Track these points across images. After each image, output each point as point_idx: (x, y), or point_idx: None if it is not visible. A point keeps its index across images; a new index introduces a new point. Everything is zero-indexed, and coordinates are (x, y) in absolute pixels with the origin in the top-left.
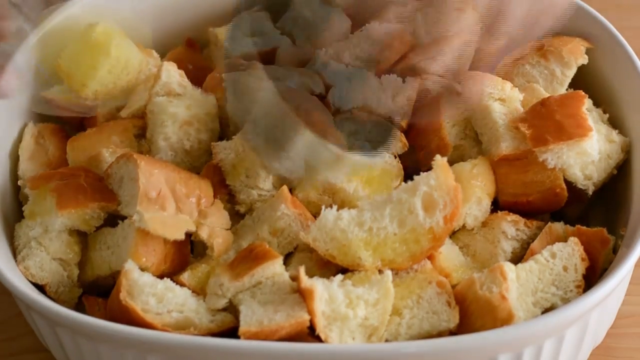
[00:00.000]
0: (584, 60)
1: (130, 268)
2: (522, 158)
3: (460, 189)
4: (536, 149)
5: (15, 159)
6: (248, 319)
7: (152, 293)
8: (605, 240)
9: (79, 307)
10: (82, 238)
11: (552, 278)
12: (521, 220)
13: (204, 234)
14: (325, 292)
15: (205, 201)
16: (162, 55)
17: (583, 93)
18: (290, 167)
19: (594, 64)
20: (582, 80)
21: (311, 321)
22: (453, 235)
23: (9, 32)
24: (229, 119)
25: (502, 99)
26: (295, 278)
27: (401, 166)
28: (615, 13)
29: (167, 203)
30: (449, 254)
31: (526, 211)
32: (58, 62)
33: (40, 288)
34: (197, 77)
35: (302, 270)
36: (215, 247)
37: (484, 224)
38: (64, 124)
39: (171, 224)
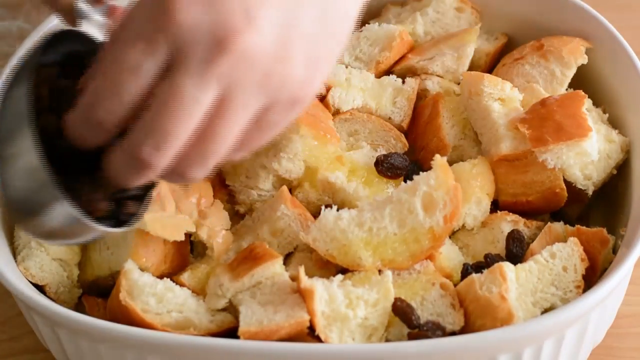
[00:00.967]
0: (583, 60)
1: (130, 268)
2: (522, 158)
3: (460, 189)
4: (536, 149)
5: None
6: (248, 319)
7: (151, 293)
8: (605, 240)
9: (79, 307)
10: None
11: (551, 278)
12: (521, 221)
13: (203, 234)
14: (325, 292)
15: (205, 201)
16: None
17: (583, 93)
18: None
19: (594, 64)
20: (582, 80)
21: (311, 321)
22: (453, 235)
23: None
24: None
25: (501, 99)
26: (295, 278)
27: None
28: (615, 13)
29: (167, 203)
30: (449, 254)
31: (526, 211)
32: None
33: (40, 288)
34: None
35: (302, 270)
36: (215, 248)
37: (484, 224)
38: None
39: (171, 224)
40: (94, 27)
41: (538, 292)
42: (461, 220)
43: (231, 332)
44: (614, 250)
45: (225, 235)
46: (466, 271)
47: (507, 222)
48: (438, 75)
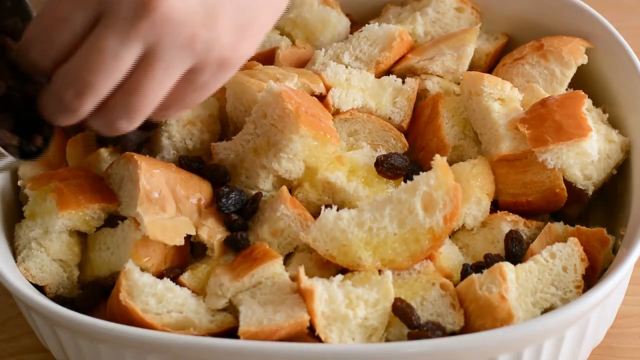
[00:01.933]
0: (583, 60)
1: (130, 268)
2: (522, 158)
3: (460, 189)
4: (536, 149)
5: None
6: (248, 319)
7: (151, 293)
8: (605, 240)
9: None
10: (82, 239)
11: (551, 278)
12: (521, 221)
13: (204, 235)
14: (325, 292)
15: (206, 202)
16: None
17: (583, 93)
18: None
19: (594, 64)
20: (582, 80)
21: (311, 321)
22: (453, 235)
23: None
24: (229, 119)
25: (501, 99)
26: (295, 278)
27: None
28: (615, 13)
29: (168, 204)
30: (449, 254)
31: (526, 211)
32: None
33: (40, 288)
34: None
35: (301, 270)
36: (216, 248)
37: (484, 224)
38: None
39: (171, 227)
40: None
41: (538, 292)
42: (461, 220)
43: (231, 332)
44: (614, 250)
45: (226, 235)
46: (466, 271)
47: (507, 222)
48: (438, 75)
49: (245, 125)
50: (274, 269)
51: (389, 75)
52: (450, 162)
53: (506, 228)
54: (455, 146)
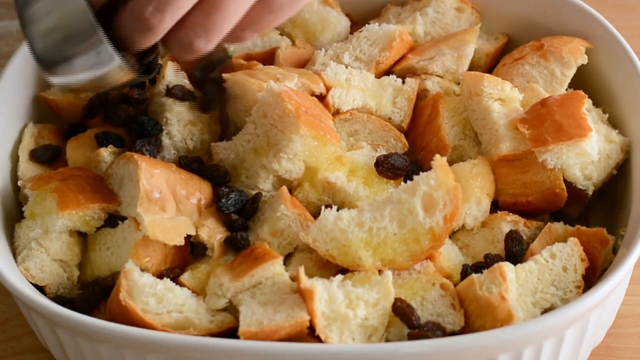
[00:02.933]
0: (583, 60)
1: (131, 268)
2: (522, 158)
3: (460, 189)
4: (536, 149)
5: (15, 159)
6: (248, 319)
7: (151, 293)
8: (605, 240)
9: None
10: (82, 239)
11: (551, 278)
12: (521, 221)
13: (204, 235)
14: (325, 292)
15: (206, 202)
16: (162, 56)
17: (583, 93)
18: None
19: (594, 64)
20: (582, 80)
21: (311, 321)
22: (453, 235)
23: None
24: (229, 119)
25: (502, 99)
26: (295, 278)
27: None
28: (615, 13)
29: (168, 204)
30: (449, 254)
31: (526, 211)
32: None
33: (40, 288)
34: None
35: (301, 270)
36: (216, 248)
37: (484, 224)
38: (63, 124)
39: (171, 227)
40: None
41: (538, 292)
42: (461, 220)
43: (231, 332)
44: (614, 250)
45: (226, 236)
46: (466, 272)
47: (507, 222)
48: (438, 75)
49: (245, 125)
50: (274, 269)
51: (389, 75)
52: (450, 162)
53: (506, 228)
54: (455, 146)
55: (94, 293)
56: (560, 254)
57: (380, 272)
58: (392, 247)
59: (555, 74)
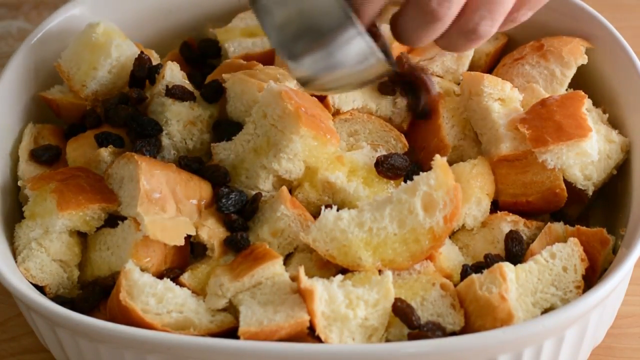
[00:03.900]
0: (583, 60)
1: (131, 268)
2: (522, 158)
3: (460, 189)
4: (536, 149)
5: (15, 159)
6: (248, 319)
7: (151, 293)
8: (605, 240)
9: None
10: (82, 239)
11: (551, 278)
12: (521, 221)
13: (204, 235)
14: (325, 292)
15: (206, 202)
16: (162, 56)
17: (583, 93)
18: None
19: (594, 64)
20: (582, 80)
21: (311, 321)
22: (453, 235)
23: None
24: (229, 119)
25: (501, 99)
26: (295, 278)
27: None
28: (615, 13)
29: (168, 204)
30: (449, 254)
31: (526, 211)
32: (58, 62)
33: (40, 288)
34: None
35: (302, 270)
36: (216, 248)
37: (484, 224)
38: (63, 124)
39: (171, 227)
40: None
41: (538, 292)
42: (461, 220)
43: (231, 332)
44: (614, 250)
45: (226, 236)
46: (466, 272)
47: (507, 223)
48: (438, 76)
49: (245, 125)
50: (274, 269)
51: None
52: (450, 162)
53: (506, 228)
54: (455, 146)
55: (94, 293)
56: (560, 254)
57: (380, 272)
58: (392, 247)
59: (555, 74)
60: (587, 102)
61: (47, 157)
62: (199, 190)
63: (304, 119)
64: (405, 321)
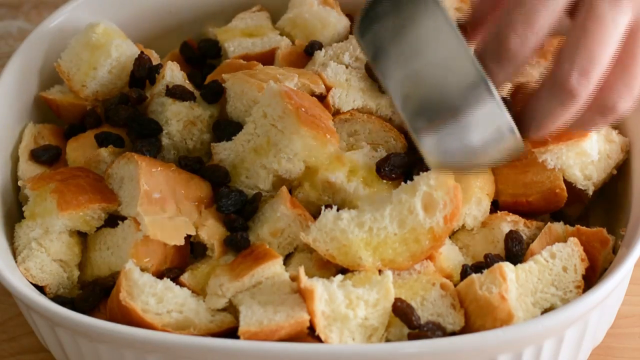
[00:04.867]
0: None
1: (130, 268)
2: (522, 158)
3: (460, 189)
4: (535, 149)
5: (15, 159)
6: (248, 319)
7: (151, 293)
8: (605, 240)
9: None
10: (82, 239)
11: (551, 278)
12: (521, 221)
13: (204, 235)
14: (325, 292)
15: (206, 202)
16: (162, 56)
17: None
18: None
19: None
20: None
21: (311, 321)
22: (453, 235)
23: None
24: (229, 119)
25: None
26: (295, 278)
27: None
28: None
29: (168, 204)
30: (449, 254)
31: (526, 211)
32: (58, 62)
33: (40, 288)
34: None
35: (302, 270)
36: (216, 248)
37: (484, 225)
38: (63, 124)
39: (171, 227)
40: None
41: (538, 292)
42: (461, 220)
43: (231, 332)
44: (614, 250)
45: (225, 236)
46: (465, 272)
47: (507, 223)
48: None
49: (245, 125)
50: (274, 269)
51: None
52: None
53: (506, 228)
54: None
55: (94, 293)
56: (560, 254)
57: (380, 272)
58: (392, 247)
59: None
60: None
61: (47, 157)
62: (199, 190)
63: (304, 119)
64: (405, 321)
